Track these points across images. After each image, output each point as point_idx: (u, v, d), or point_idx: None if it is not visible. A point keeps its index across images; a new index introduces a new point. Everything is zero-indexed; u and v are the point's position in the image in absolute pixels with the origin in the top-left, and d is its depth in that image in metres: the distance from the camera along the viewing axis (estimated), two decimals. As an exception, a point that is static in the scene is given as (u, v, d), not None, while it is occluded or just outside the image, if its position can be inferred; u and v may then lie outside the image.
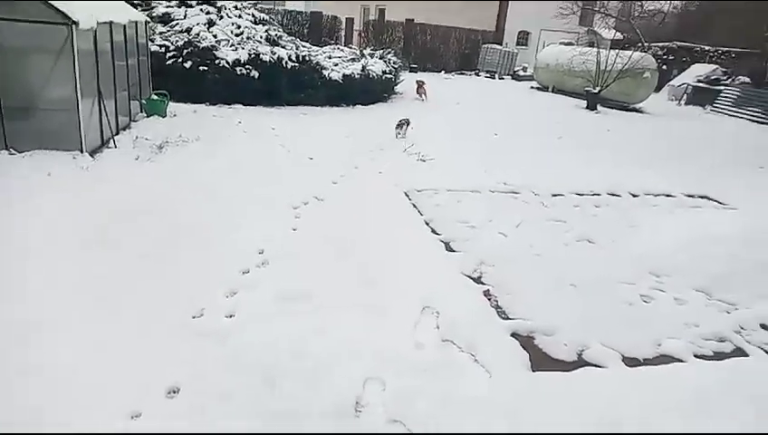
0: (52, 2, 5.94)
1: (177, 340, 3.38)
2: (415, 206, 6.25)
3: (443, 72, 23.61)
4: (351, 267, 4.55)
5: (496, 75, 23.72)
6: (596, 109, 15.97)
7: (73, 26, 6.05)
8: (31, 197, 5.23)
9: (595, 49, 16.72)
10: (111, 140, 7.23)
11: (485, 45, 24.60)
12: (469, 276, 4.62)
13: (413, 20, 23.68)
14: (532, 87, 21.03)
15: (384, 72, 13.83)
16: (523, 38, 26.89)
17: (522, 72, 23.82)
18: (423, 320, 3.90)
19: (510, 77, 23.93)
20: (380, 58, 14.61)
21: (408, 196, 6.59)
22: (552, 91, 19.71)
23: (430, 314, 3.97)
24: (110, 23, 7.39)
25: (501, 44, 25.04)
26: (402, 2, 24.57)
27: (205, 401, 2.90)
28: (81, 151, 6.40)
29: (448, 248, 5.17)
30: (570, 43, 20.29)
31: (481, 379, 3.33)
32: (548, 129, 12.22)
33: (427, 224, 5.73)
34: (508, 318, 4.03)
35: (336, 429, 2.82)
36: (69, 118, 6.34)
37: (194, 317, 3.65)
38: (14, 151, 6.17)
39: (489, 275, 4.68)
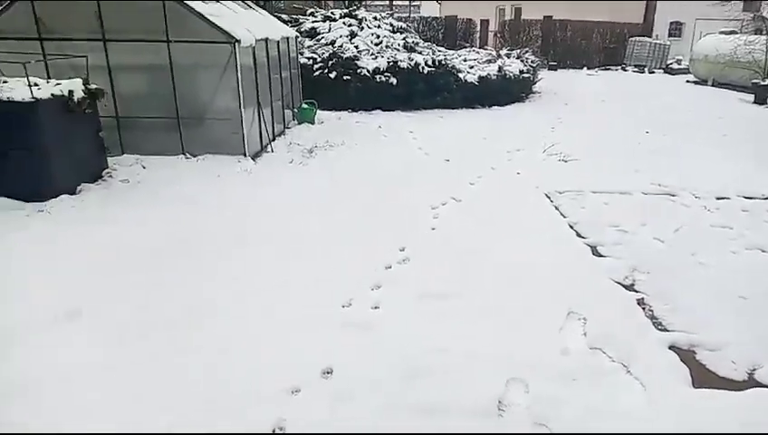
0: (217, 23, 6.68)
1: (329, 326, 3.62)
2: (557, 208, 6.02)
3: (585, 68, 22.41)
4: (491, 268, 4.52)
5: (646, 69, 21.98)
6: (766, 102, 14.12)
7: (236, 44, 6.75)
8: (206, 195, 5.94)
9: (764, 36, 14.79)
10: (269, 146, 7.95)
11: (633, 39, 22.92)
12: (620, 283, 4.35)
13: (551, 17, 22.81)
14: (687, 81, 19.17)
15: (521, 72, 13.52)
16: (675, 29, 24.59)
17: (675, 65, 21.81)
18: (568, 326, 3.75)
19: (662, 71, 22.03)
20: (517, 58, 14.32)
21: (549, 197, 6.38)
22: (712, 85, 17.77)
23: (576, 320, 3.81)
24: (266, 39, 8.11)
25: (650, 37, 23.14)
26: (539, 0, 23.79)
27: (354, 385, 3.06)
28: (245, 156, 7.12)
29: (595, 253, 4.92)
30: (732, 32, 18.13)
31: (634, 391, 3.12)
32: (709, 125, 11.07)
33: (572, 227, 5.49)
34: (665, 330, 3.73)
35: (480, 428, 2.83)
36: (233, 126, 7.08)
37: (343, 306, 3.88)
38: (189, 156, 7.05)
39: (643, 282, 4.37)
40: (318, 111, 10.34)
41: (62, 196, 5.51)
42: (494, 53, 14.82)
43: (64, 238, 4.76)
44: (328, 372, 3.18)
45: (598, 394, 3.07)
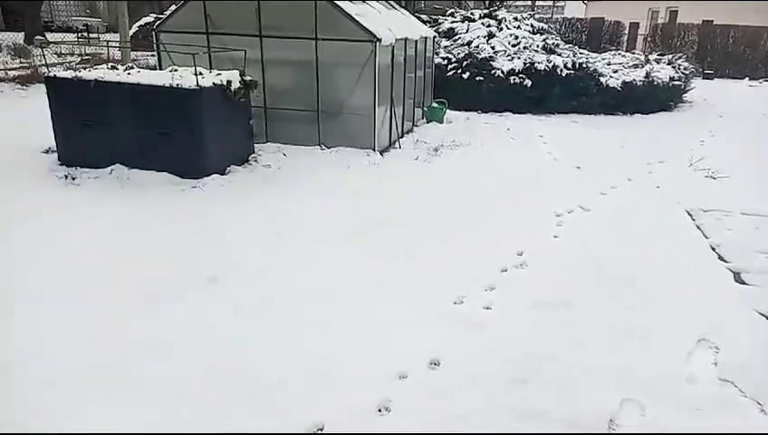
0: (362, 22, 7.01)
1: (439, 320, 3.71)
2: (699, 227, 5.55)
3: (747, 78, 20.12)
4: (616, 282, 4.32)
5: (826, 82, 19.19)
6: None
7: (377, 43, 7.04)
8: (337, 185, 6.31)
9: None
10: (397, 142, 8.22)
11: (813, 46, 20.10)
12: (764, 315, 3.93)
13: (711, 21, 20.74)
14: None
15: (672, 79, 12.53)
16: None
17: None
18: (697, 353, 3.48)
19: None
20: (668, 64, 13.28)
21: (690, 215, 5.89)
22: None
23: (707, 349, 3.52)
24: (405, 39, 8.34)
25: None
26: (699, 2, 21.71)
27: (458, 380, 3.12)
28: (374, 150, 7.44)
29: (738, 280, 4.47)
30: None
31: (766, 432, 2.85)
32: None
33: (714, 249, 5.04)
34: (814, 372, 3.32)
35: (586, 440, 2.75)
36: (366, 122, 7.42)
37: (455, 303, 3.95)
38: (324, 147, 7.52)
39: (792, 317, 3.91)
40: (447, 111, 10.43)
41: (214, 175, 6.16)
42: (641, 57, 13.87)
43: (214, 213, 5.34)
44: (435, 364, 3.27)
45: (723, 429, 2.84)
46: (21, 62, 13.31)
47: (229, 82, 6.19)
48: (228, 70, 6.46)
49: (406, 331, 3.58)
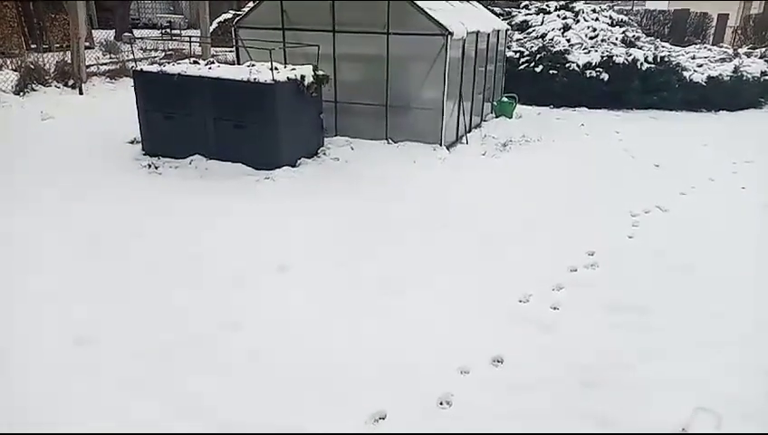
0: (434, 16, 6.98)
1: (502, 317, 3.67)
2: (789, 232, 5.18)
3: None
4: (695, 287, 4.11)
5: None
6: None
7: (449, 36, 6.98)
8: (402, 179, 6.36)
9: None
10: (464, 137, 8.15)
11: None
12: None
13: (816, 9, 19.09)
14: None
15: (763, 74, 11.68)
16: None
17: None
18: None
19: None
20: (760, 57, 12.38)
21: (779, 219, 5.51)
22: None
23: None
24: (477, 32, 8.22)
25: None
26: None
27: (523, 380, 3.08)
28: (440, 145, 7.40)
29: (834, 290, 4.14)
30: None
31: None
32: None
33: (805, 256, 4.69)
34: None
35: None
36: (433, 116, 7.38)
37: (520, 301, 3.89)
38: (391, 141, 7.57)
39: None
40: (517, 106, 10.21)
41: (285, 166, 6.35)
42: (730, 51, 13.00)
43: (285, 203, 5.52)
44: (498, 361, 3.24)
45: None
46: (110, 58, 14.19)
47: (302, 77, 6.36)
48: (302, 65, 6.63)
49: (469, 327, 3.57)
